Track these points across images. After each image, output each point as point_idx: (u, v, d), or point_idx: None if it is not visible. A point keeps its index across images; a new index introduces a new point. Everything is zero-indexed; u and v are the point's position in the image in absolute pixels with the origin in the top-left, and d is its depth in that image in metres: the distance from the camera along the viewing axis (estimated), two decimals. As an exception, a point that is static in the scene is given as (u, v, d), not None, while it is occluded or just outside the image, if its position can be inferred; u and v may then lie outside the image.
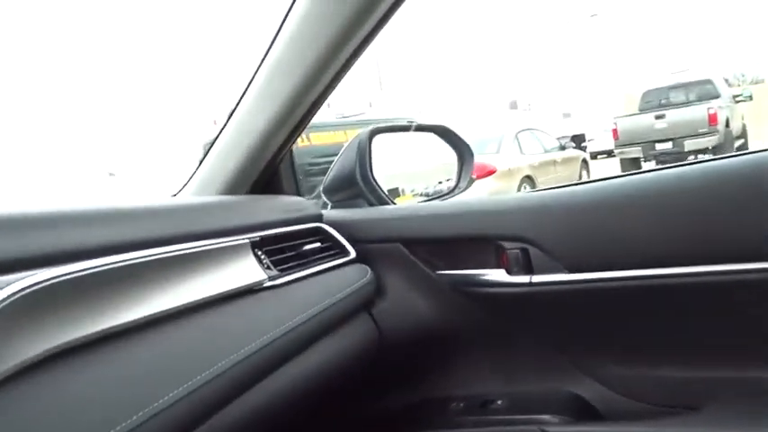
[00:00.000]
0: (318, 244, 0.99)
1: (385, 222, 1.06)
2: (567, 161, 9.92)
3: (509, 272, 0.94)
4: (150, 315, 0.67)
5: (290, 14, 0.88)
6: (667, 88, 11.90)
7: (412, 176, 1.85)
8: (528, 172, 8.38)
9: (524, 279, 0.93)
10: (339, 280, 0.96)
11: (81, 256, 0.63)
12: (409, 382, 1.02)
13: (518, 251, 0.93)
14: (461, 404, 0.98)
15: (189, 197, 0.98)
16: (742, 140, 11.88)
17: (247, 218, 0.90)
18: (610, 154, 16.71)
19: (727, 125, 10.52)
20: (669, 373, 0.86)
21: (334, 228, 1.03)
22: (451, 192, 1.33)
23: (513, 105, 30.00)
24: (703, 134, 10.20)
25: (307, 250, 0.96)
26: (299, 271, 0.91)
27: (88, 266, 0.62)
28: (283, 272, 0.88)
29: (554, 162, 9.42)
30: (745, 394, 0.79)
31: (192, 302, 0.73)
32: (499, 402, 0.96)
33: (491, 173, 7.91)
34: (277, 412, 0.79)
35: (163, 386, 0.62)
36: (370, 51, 0.97)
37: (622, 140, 11.00)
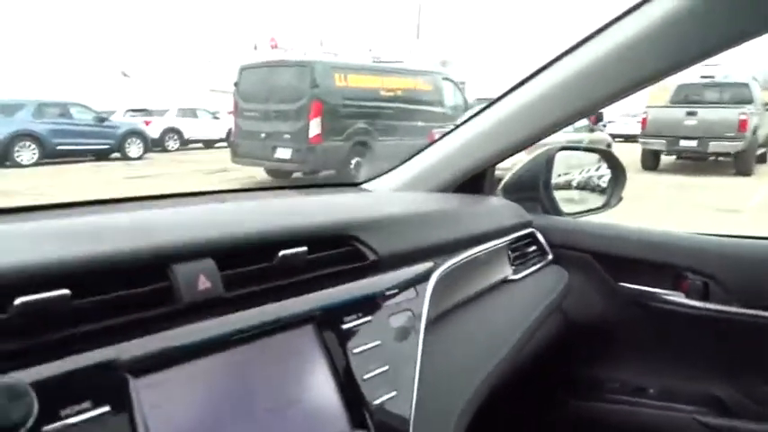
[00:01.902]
0: (534, 247, 1.21)
1: (579, 234, 1.26)
2: (592, 143, 10.08)
3: (687, 296, 1.17)
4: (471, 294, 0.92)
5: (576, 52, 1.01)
6: (702, 85, 11.92)
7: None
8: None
9: (700, 304, 1.13)
10: (548, 279, 1.19)
11: (448, 249, 0.87)
12: (580, 363, 1.26)
13: (700, 281, 1.16)
14: (617, 384, 1.23)
15: (449, 197, 1.16)
16: (764, 149, 12.05)
17: (501, 221, 1.11)
18: (627, 139, 16.74)
19: (754, 132, 10.65)
20: None
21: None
22: (603, 207, 1.55)
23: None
24: (730, 138, 10.34)
25: (528, 251, 1.18)
26: (525, 269, 1.14)
27: (464, 256, 0.87)
28: (517, 268, 1.12)
29: (580, 143, 9.58)
30: None
31: (482, 288, 0.97)
32: (651, 391, 1.21)
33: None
34: (507, 380, 1.03)
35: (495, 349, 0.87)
36: None
37: (649, 131, 11.11)
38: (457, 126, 1.21)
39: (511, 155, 1.17)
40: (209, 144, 17.41)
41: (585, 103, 1.03)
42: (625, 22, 0.91)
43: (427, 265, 0.82)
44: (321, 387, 0.61)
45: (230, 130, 12.71)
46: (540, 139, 1.15)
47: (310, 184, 1.39)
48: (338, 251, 0.73)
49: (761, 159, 11.77)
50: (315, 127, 9.04)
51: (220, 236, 0.62)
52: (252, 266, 0.62)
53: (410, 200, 1.07)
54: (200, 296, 0.55)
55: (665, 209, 6.55)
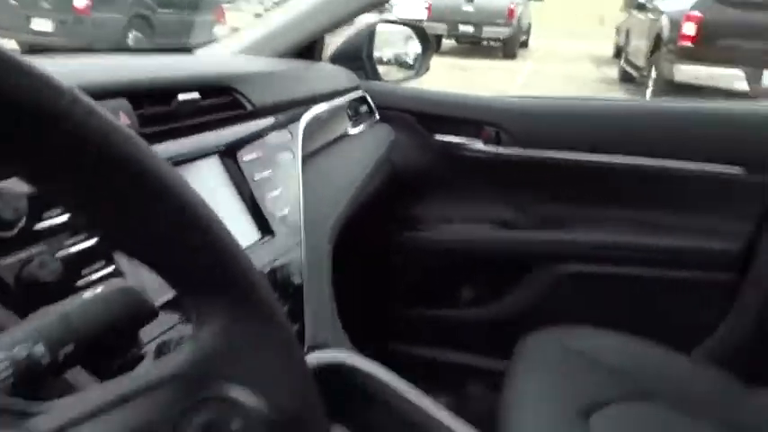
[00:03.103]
0: (365, 107, 1.38)
1: (400, 97, 1.45)
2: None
3: (485, 143, 1.46)
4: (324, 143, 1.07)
5: None
6: (478, -24, 12.80)
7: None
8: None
9: (494, 149, 1.43)
10: (378, 135, 1.37)
11: (307, 102, 1.00)
12: (403, 203, 1.51)
13: (493, 131, 1.44)
14: (431, 217, 1.51)
15: (291, 61, 1.24)
16: (525, 36, 13.61)
17: (338, 83, 1.26)
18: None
19: (519, 21, 11.94)
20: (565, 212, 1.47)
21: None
22: (415, 75, 1.76)
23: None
24: (500, 24, 11.49)
25: (361, 111, 1.35)
26: (360, 126, 1.31)
27: (319, 109, 1.00)
28: (354, 125, 1.29)
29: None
30: None
31: (332, 138, 1.13)
32: (455, 219, 1.50)
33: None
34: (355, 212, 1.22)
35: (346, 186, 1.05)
36: None
37: (433, 16, 11.82)
38: None
39: (341, 25, 1.29)
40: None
41: None
42: None
43: (294, 112, 0.95)
44: (232, 204, 0.73)
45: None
46: (368, 10, 1.28)
47: (141, 48, 1.34)
48: (223, 100, 0.82)
49: (523, 44, 13.31)
50: (82, -5, 7.91)
51: (130, 79, 0.68)
52: (158, 108, 0.70)
53: (264, 61, 1.16)
54: None
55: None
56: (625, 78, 8.85)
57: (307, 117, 0.98)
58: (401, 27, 1.96)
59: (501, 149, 1.42)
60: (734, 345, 1.28)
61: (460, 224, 1.48)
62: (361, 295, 1.49)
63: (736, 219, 1.26)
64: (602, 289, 1.36)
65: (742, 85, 6.22)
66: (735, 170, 1.26)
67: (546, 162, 1.39)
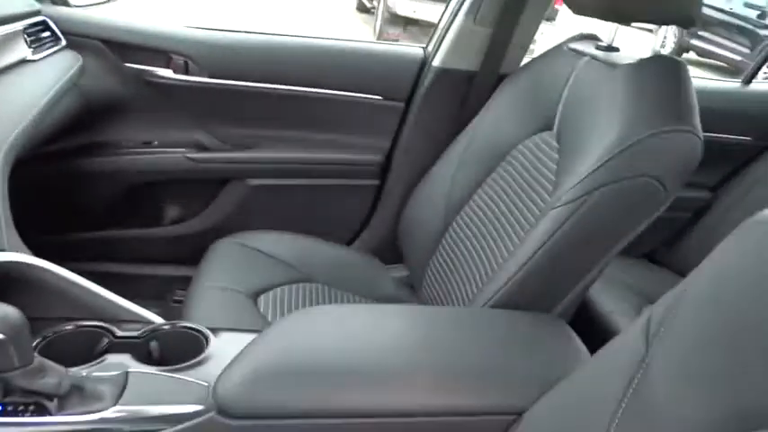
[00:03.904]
0: (48, 33, 1.38)
1: (88, 24, 1.47)
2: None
3: (174, 71, 1.57)
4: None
5: None
6: None
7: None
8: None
9: (183, 77, 1.53)
10: (63, 61, 1.40)
11: None
12: (97, 130, 1.57)
13: (182, 61, 1.56)
14: (130, 141, 1.61)
15: None
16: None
17: (11, 8, 1.24)
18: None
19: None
20: (239, 130, 1.68)
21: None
22: (108, 1, 1.77)
23: None
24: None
25: (42, 37, 1.35)
26: (41, 52, 1.33)
27: None
28: (35, 51, 1.30)
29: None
30: None
31: (5, 65, 1.16)
32: (155, 142, 1.63)
33: None
34: (34, 144, 1.28)
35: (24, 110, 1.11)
36: None
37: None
38: None
39: None
40: None
41: None
42: None
43: None
44: None
45: None
46: None
47: None
48: None
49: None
50: None
51: None
52: None
53: None
54: None
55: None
56: (361, 8, 9.37)
57: None
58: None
59: (189, 78, 1.56)
60: (379, 235, 1.66)
61: (156, 148, 1.61)
62: (54, 218, 1.56)
63: (377, 137, 1.61)
64: (281, 197, 1.63)
65: (452, 21, 7.07)
66: (376, 99, 1.59)
67: (230, 89, 1.57)
